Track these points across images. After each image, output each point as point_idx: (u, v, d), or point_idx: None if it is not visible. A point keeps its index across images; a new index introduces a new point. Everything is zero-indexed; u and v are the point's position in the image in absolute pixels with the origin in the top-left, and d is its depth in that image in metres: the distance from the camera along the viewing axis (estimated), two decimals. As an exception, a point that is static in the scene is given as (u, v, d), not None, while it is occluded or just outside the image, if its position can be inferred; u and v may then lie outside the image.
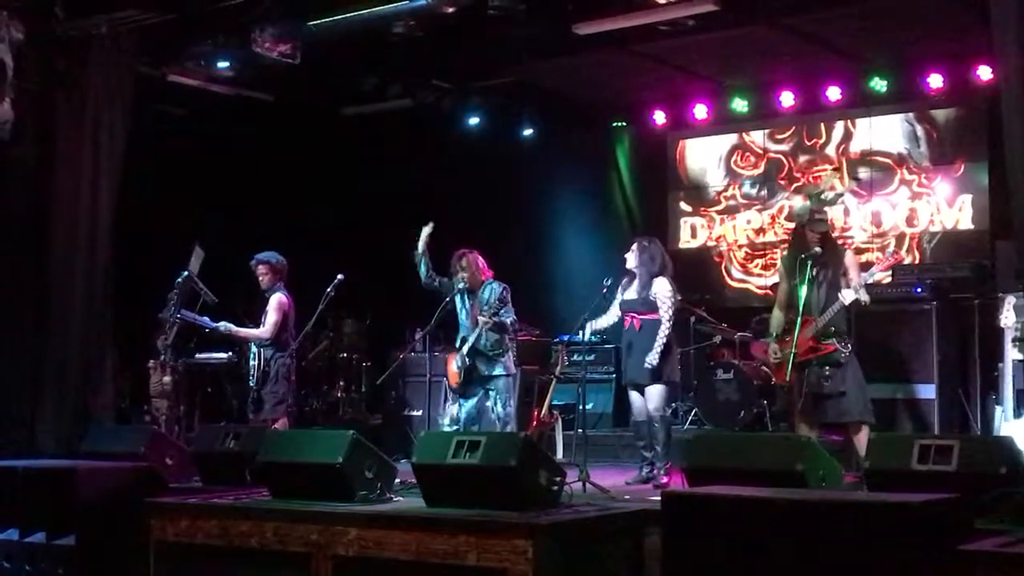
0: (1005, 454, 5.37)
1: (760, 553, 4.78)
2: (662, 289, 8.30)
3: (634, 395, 8.41)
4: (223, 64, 9.98)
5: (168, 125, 11.47)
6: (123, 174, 9.00)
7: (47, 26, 8.92)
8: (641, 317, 8.30)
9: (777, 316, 7.96)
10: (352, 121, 12.95)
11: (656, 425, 8.24)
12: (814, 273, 7.70)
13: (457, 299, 8.87)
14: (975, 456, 5.31)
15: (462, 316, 8.86)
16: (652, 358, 8.13)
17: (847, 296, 7.60)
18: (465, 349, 8.72)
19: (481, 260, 8.89)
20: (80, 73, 8.96)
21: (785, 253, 8.64)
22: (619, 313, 8.45)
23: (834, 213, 11.13)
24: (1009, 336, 7.77)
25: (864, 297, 7.68)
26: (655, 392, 8.24)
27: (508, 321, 8.73)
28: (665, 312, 8.23)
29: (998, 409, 7.77)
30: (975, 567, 4.31)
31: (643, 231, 13.00)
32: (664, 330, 8.20)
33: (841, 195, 11.25)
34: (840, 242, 9.19)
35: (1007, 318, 7.75)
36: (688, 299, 11.63)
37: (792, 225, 12.10)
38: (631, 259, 8.42)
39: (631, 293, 8.42)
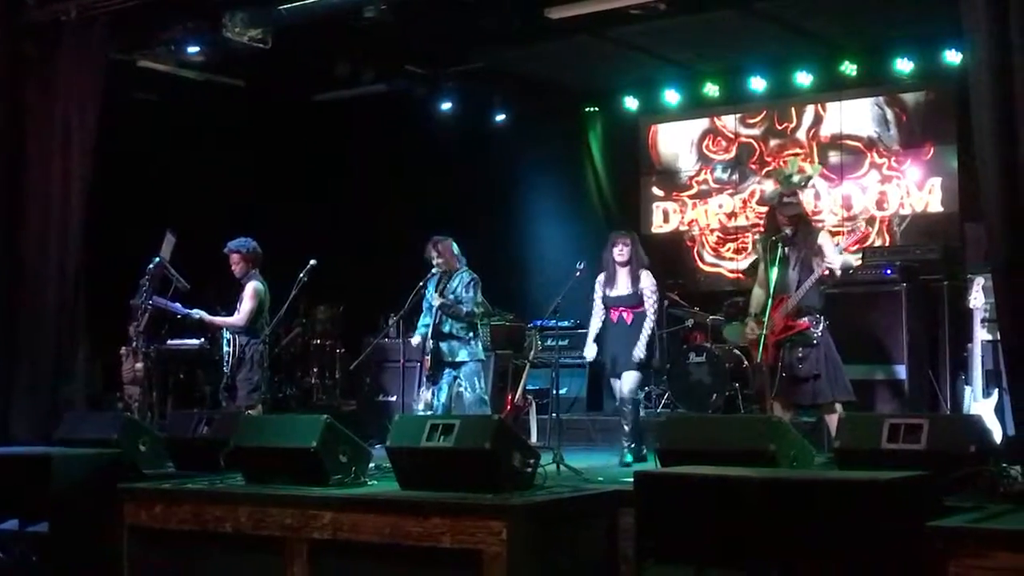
0: (974, 432, 5.44)
1: (732, 532, 4.82)
2: (649, 283, 8.62)
3: (617, 383, 8.57)
4: (193, 49, 9.92)
5: (139, 111, 11.40)
6: (94, 160, 8.94)
7: (16, 11, 8.84)
8: (633, 311, 8.54)
9: (758, 295, 8.00)
10: (324, 107, 12.92)
11: (627, 407, 8.38)
12: (785, 253, 7.75)
13: (430, 284, 8.89)
14: (944, 435, 5.37)
15: (431, 300, 8.86)
16: (640, 351, 8.41)
17: (833, 257, 7.68)
18: (428, 332, 8.75)
19: (454, 247, 8.91)
20: (50, 59, 8.89)
21: (759, 236, 8.73)
22: (603, 309, 8.62)
23: (805, 196, 11.20)
24: (978, 317, 7.85)
25: (853, 261, 7.75)
26: (631, 377, 8.44)
27: (464, 311, 8.73)
28: (651, 306, 8.55)
29: (967, 389, 7.84)
30: (944, 544, 4.37)
31: (616, 216, 13.09)
32: (649, 323, 8.51)
33: (810, 178, 11.34)
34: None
35: (976, 299, 7.83)
36: (661, 283, 11.69)
37: (764, 209, 12.29)
38: (626, 253, 8.60)
39: (618, 289, 8.60)
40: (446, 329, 8.72)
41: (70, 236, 8.83)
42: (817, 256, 7.75)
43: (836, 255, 7.80)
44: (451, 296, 8.70)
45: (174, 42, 9.82)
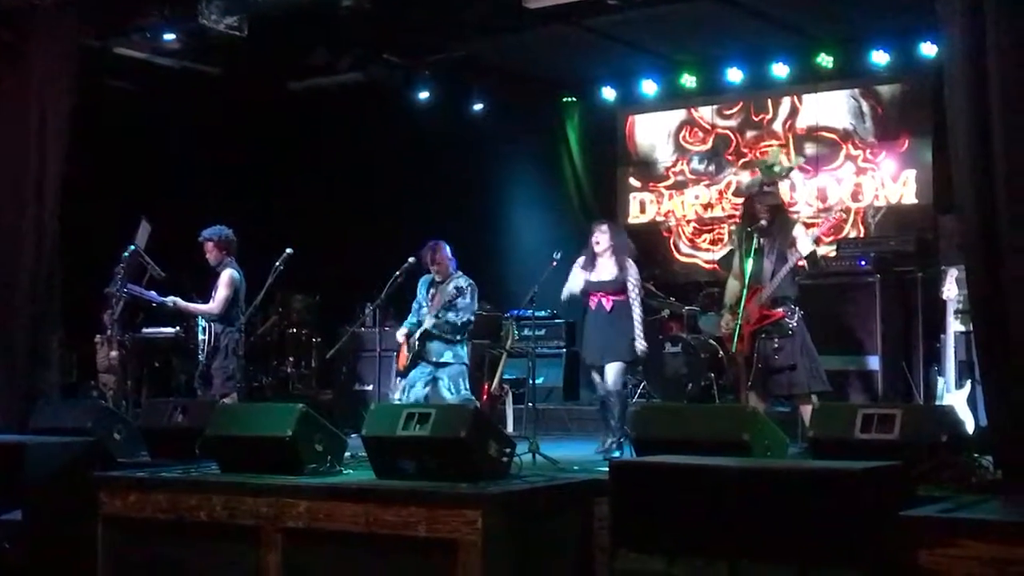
0: (946, 423, 5.49)
1: (706, 521, 4.84)
2: (634, 272, 8.56)
3: (596, 375, 8.53)
4: (169, 36, 9.87)
5: (114, 99, 11.35)
6: (69, 148, 8.89)
7: (-11, -3, 8.79)
8: (613, 298, 8.47)
9: (733, 286, 8.01)
10: (301, 95, 12.88)
11: (613, 400, 8.34)
12: (760, 244, 7.78)
13: (422, 286, 8.90)
14: (917, 425, 5.41)
15: (422, 301, 8.85)
16: (640, 344, 8.42)
17: (804, 247, 7.69)
18: (417, 333, 8.71)
19: (448, 252, 8.91)
20: (24, 45, 8.82)
21: (735, 227, 8.74)
22: (580, 286, 8.55)
23: (781, 188, 11.29)
24: (951, 308, 7.90)
25: (808, 247, 7.75)
26: (615, 369, 8.39)
27: (459, 322, 8.73)
28: (636, 296, 8.49)
29: (940, 380, 7.90)
30: (917, 533, 4.40)
31: (593, 206, 13.10)
32: (638, 313, 8.46)
33: (790, 169, 11.43)
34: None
35: (949, 291, 7.89)
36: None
37: (740, 200, 12.34)
38: (602, 240, 8.54)
39: (599, 274, 8.54)
40: (435, 330, 8.70)
41: (44, 224, 8.76)
42: (792, 247, 7.77)
43: (807, 244, 7.80)
44: (446, 300, 8.68)
45: (150, 29, 9.78)
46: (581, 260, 8.68)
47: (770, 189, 8.14)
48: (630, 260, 8.63)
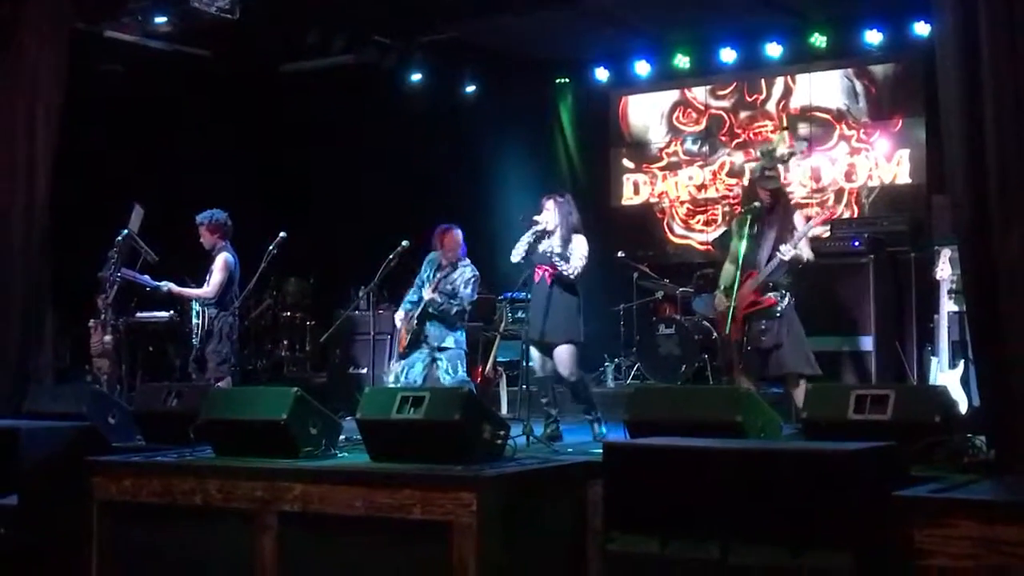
0: (939, 403, 5.48)
1: (699, 503, 4.85)
2: (580, 247, 8.07)
3: (536, 352, 8.15)
4: (160, 19, 9.84)
5: (105, 82, 11.31)
6: (61, 132, 8.86)
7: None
8: (555, 272, 8.07)
9: (728, 269, 8.01)
10: (293, 77, 12.85)
11: (576, 388, 8.11)
12: (756, 230, 7.77)
13: (427, 265, 8.90)
14: (910, 405, 5.41)
15: (424, 283, 8.84)
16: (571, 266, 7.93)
17: (786, 252, 7.66)
18: (416, 312, 8.69)
19: (459, 237, 8.85)
20: (15, 29, 8.77)
21: (738, 211, 8.70)
22: (521, 254, 8.15)
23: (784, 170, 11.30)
24: (944, 288, 7.92)
25: (807, 254, 7.74)
26: (565, 354, 8.02)
27: (454, 310, 8.69)
28: (576, 269, 7.99)
29: (933, 360, 7.92)
30: (910, 513, 4.41)
31: (585, 187, 13.10)
32: (571, 272, 7.95)
33: (793, 154, 11.46)
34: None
35: (943, 270, 7.91)
36: (631, 255, 11.73)
37: (734, 181, 12.37)
38: (550, 217, 8.14)
39: (547, 246, 8.12)
40: (436, 312, 8.68)
41: (37, 208, 8.73)
42: (790, 235, 7.72)
43: (807, 250, 7.74)
44: (448, 287, 8.65)
45: (141, 12, 9.74)
46: (538, 227, 8.19)
47: (771, 174, 8.12)
48: (579, 236, 8.11)
